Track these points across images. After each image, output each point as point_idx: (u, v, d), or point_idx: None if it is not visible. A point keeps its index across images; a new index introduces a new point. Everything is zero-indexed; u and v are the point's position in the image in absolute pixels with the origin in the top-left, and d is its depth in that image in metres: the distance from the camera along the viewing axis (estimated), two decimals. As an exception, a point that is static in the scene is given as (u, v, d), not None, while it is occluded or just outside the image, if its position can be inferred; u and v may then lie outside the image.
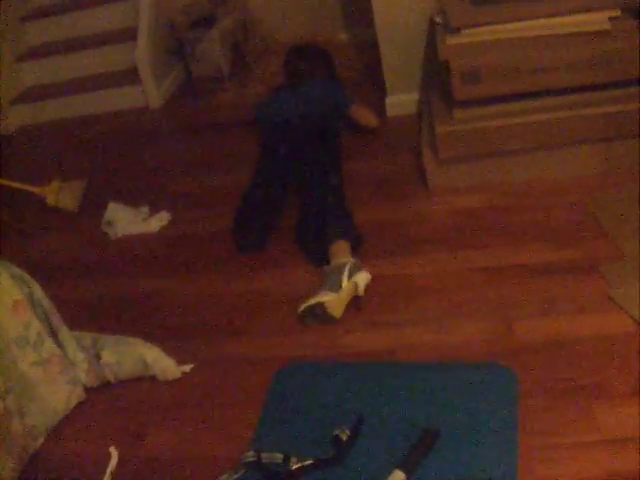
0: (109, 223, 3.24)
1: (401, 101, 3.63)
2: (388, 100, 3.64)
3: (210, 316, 2.57)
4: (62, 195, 3.57)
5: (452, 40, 2.73)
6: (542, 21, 2.69)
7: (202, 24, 4.46)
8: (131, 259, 3.03)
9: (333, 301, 2.33)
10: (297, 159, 3.10)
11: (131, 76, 4.47)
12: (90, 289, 2.90)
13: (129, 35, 4.51)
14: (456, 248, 2.60)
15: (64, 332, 2.21)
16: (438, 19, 2.95)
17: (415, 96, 3.61)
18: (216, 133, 4.00)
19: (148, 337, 2.36)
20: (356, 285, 2.37)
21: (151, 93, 4.46)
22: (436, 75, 3.25)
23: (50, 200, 3.56)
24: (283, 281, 2.65)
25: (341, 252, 2.51)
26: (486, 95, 2.77)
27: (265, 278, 2.69)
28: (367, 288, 2.42)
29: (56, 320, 2.20)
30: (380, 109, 3.66)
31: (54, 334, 2.18)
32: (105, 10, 4.74)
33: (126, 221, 3.21)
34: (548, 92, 2.74)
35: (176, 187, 3.53)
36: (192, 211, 3.29)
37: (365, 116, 3.56)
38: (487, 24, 2.72)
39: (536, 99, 2.75)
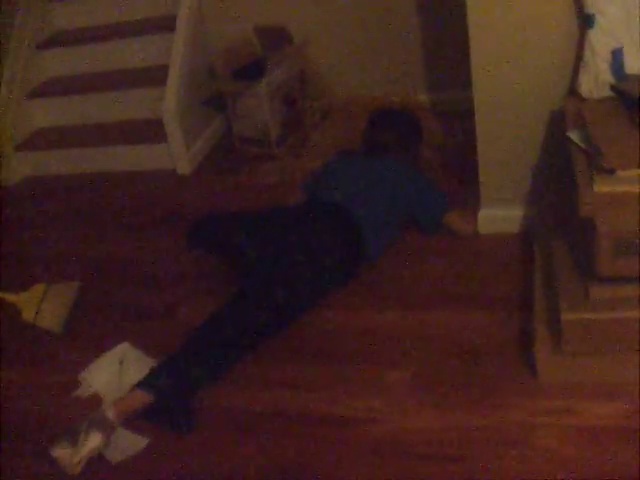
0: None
1: (500, 216, 2.65)
2: (482, 213, 2.65)
3: None
4: (45, 306, 2.68)
5: (603, 187, 1.74)
6: None
7: (248, 72, 3.53)
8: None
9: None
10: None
11: (158, 130, 3.54)
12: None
13: (159, 77, 3.60)
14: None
15: None
16: (574, 135, 1.94)
17: (519, 212, 2.62)
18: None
19: None
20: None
21: (179, 155, 3.56)
22: (556, 190, 2.31)
23: (26, 314, 2.68)
24: None
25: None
26: (645, 272, 1.77)
27: None
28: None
29: None
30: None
31: None
32: (134, 43, 3.86)
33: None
34: None
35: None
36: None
37: (462, 224, 2.71)
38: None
39: None
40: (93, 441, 1.94)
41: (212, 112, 3.82)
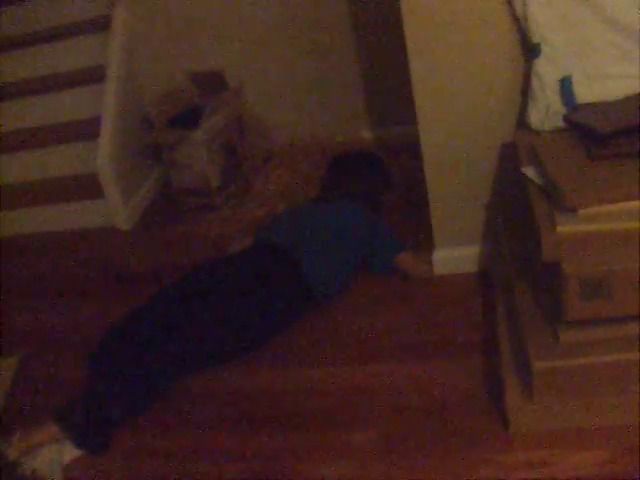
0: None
1: (455, 256, 2.53)
2: (436, 254, 2.53)
3: None
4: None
5: (565, 227, 1.63)
6: None
7: (185, 120, 3.38)
8: None
9: None
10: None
11: (94, 185, 3.36)
12: None
13: (92, 130, 3.43)
14: None
15: None
16: (529, 172, 1.84)
17: (474, 250, 2.52)
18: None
19: None
20: None
21: (117, 211, 3.38)
22: (513, 228, 2.18)
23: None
24: None
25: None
26: (616, 314, 1.66)
27: None
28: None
29: None
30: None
31: None
32: (64, 96, 3.66)
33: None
34: None
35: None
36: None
37: (415, 265, 2.60)
38: (625, 198, 1.62)
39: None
40: None
41: (150, 163, 3.65)
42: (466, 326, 2.30)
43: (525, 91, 2.09)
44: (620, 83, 1.90)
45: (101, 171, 3.31)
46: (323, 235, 2.53)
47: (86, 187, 3.45)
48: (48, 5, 3.74)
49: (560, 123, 1.95)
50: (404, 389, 2.13)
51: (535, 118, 2.01)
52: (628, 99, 1.88)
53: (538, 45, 1.95)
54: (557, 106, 1.95)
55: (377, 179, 2.88)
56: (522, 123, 2.13)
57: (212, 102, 3.41)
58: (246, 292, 2.36)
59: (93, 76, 3.57)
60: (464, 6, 2.08)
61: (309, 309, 2.48)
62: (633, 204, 1.64)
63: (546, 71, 1.95)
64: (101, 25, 3.61)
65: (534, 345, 1.77)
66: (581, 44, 1.91)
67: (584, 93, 1.92)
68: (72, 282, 3.11)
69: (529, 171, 1.85)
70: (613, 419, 1.79)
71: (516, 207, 2.07)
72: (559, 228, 1.64)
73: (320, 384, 2.23)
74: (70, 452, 2.09)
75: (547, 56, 1.94)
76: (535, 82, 1.99)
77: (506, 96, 2.19)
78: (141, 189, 3.57)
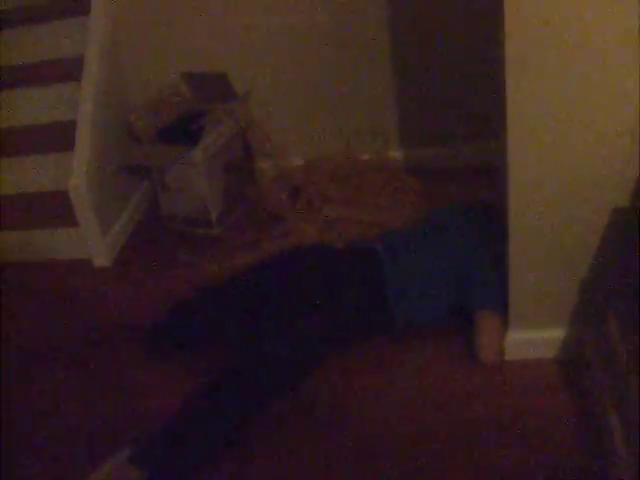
0: None
1: (534, 339, 1.94)
2: (510, 336, 1.95)
3: None
4: None
5: None
6: None
7: (177, 132, 2.75)
8: None
9: None
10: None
11: (66, 209, 2.72)
12: None
13: (66, 139, 2.78)
14: None
15: None
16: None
17: (559, 333, 1.94)
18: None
19: None
20: None
21: (94, 243, 2.73)
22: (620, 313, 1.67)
23: None
24: None
25: None
26: None
27: None
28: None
29: None
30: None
31: None
32: (33, 94, 2.97)
33: None
34: None
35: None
36: None
37: (488, 344, 2.04)
38: None
39: None
40: None
41: (133, 181, 3.01)
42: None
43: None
44: None
45: (74, 193, 2.67)
46: (424, 255, 2.16)
47: (58, 210, 2.79)
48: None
49: None
50: None
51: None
52: None
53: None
54: None
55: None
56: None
57: (213, 111, 2.77)
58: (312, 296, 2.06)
59: (67, 71, 2.89)
60: (593, 28, 1.48)
61: (383, 330, 2.12)
62: None
63: None
64: (78, 10, 2.93)
65: None
66: None
67: None
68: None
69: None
70: None
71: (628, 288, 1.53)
72: None
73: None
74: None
75: None
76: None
77: (626, 148, 1.63)
78: (123, 215, 2.92)
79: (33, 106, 2.98)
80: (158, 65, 2.99)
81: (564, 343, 1.99)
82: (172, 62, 2.96)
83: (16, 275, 2.82)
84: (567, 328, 1.97)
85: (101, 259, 2.79)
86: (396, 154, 3.05)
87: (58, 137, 2.84)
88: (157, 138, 2.79)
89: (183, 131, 2.78)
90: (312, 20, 2.81)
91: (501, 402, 1.91)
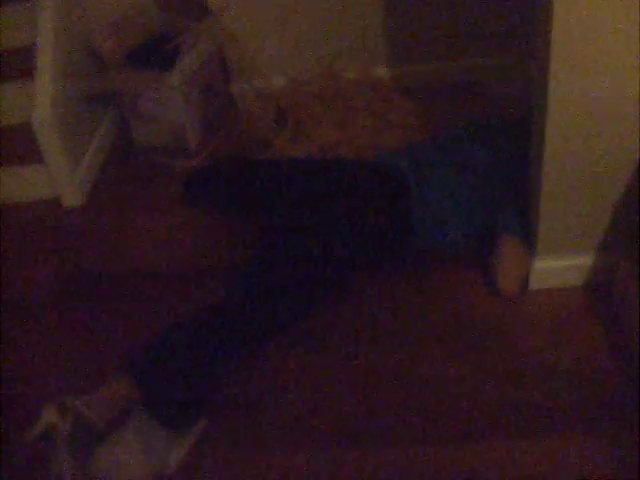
0: None
1: (560, 267, 1.82)
2: (537, 264, 1.82)
3: None
4: None
5: None
6: None
7: (148, 54, 2.51)
8: None
9: None
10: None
11: (29, 143, 2.47)
12: None
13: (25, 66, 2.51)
14: None
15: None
16: None
17: (587, 260, 1.82)
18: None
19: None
20: None
21: (63, 182, 2.51)
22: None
23: None
24: None
25: None
26: None
27: None
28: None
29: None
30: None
31: None
32: None
33: None
34: None
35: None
36: None
37: (509, 272, 1.90)
38: None
39: None
40: None
41: (100, 111, 2.76)
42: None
43: None
44: None
45: (38, 125, 2.42)
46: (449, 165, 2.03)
47: (19, 146, 2.53)
48: None
49: None
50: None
51: None
52: None
53: None
54: None
55: None
56: None
57: (186, 31, 2.52)
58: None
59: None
60: None
61: (404, 249, 1.99)
62: None
63: None
64: None
65: None
66: None
67: None
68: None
69: None
70: None
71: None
72: None
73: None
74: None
75: None
76: None
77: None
78: (91, 148, 2.68)
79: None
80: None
81: (593, 270, 1.89)
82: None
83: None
84: (596, 254, 1.85)
85: (71, 199, 2.55)
86: (382, 72, 2.83)
87: (16, 64, 2.54)
88: (126, 62, 2.53)
89: (154, 53, 2.52)
90: None
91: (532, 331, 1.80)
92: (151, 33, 2.61)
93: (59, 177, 2.54)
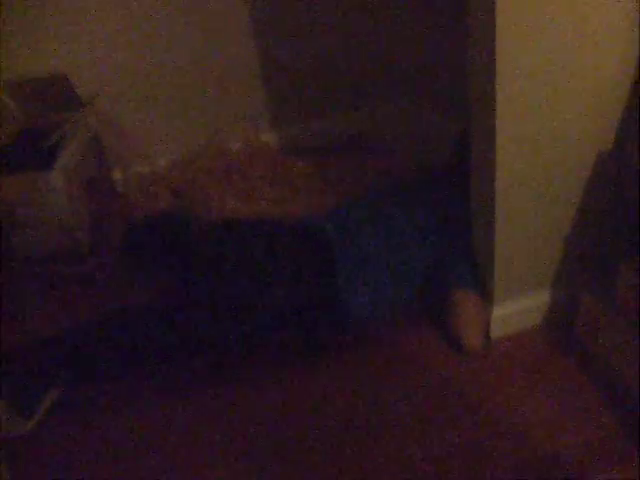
0: None
1: (518, 309, 1.80)
2: (496, 312, 1.77)
3: None
4: None
5: None
6: None
7: (20, 153, 2.27)
8: None
9: None
10: None
11: None
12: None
13: None
14: None
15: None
16: None
17: (544, 297, 1.83)
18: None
19: None
20: None
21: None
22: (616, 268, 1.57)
23: None
24: None
25: None
26: None
27: None
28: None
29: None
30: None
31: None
32: None
33: None
34: None
35: None
36: None
37: (472, 330, 1.81)
38: None
39: None
40: None
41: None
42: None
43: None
44: None
45: None
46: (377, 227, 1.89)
47: None
48: None
49: None
50: None
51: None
52: None
53: None
54: None
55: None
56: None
57: (59, 123, 2.30)
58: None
59: None
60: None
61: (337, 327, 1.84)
62: None
63: None
64: None
65: None
66: None
67: None
68: None
69: None
70: None
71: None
72: None
73: None
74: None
75: None
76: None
77: (613, 85, 1.50)
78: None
79: None
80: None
81: (550, 306, 1.85)
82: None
83: None
84: (551, 290, 1.82)
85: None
86: (268, 137, 2.73)
87: None
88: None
89: (25, 153, 2.27)
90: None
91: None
92: (17, 131, 2.35)
93: None
